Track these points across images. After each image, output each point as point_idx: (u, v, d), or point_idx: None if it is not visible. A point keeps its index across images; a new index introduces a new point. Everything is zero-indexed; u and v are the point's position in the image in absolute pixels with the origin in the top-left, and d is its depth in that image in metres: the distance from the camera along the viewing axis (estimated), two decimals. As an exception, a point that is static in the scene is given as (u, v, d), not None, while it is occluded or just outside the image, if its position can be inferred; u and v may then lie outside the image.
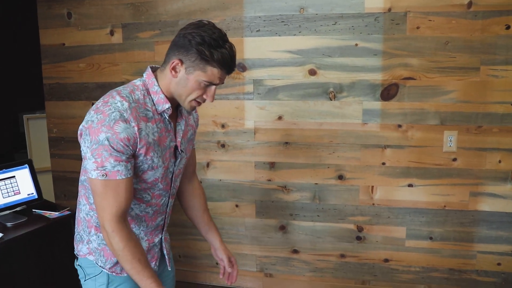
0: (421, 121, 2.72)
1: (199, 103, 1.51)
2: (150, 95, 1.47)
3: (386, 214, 2.86)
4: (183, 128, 1.59)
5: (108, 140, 1.35)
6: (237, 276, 1.85)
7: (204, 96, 1.48)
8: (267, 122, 2.90)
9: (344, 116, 2.80)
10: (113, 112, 1.35)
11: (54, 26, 3.13)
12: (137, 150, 1.42)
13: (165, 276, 1.77)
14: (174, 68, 1.44)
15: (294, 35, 2.78)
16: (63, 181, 3.31)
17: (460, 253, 2.83)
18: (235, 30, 2.84)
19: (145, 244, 1.62)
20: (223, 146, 3.01)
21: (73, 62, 3.15)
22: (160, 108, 1.48)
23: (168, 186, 1.63)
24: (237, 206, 3.07)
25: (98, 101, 1.43)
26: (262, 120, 2.91)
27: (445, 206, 2.79)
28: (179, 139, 1.58)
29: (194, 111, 1.71)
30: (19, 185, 2.60)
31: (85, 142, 1.38)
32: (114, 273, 1.59)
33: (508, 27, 2.53)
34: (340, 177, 2.88)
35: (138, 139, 1.41)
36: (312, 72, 2.78)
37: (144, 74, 1.51)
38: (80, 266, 1.64)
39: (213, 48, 1.39)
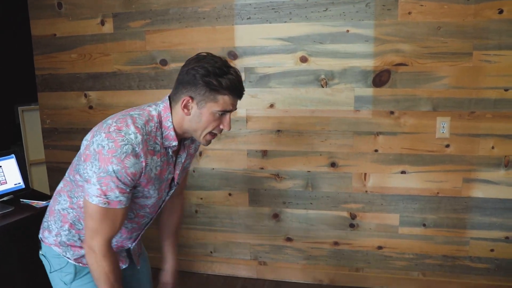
0: (413, 108, 2.70)
1: (214, 135, 1.52)
2: (161, 129, 1.47)
3: (379, 201, 2.86)
4: (182, 161, 1.60)
5: (116, 173, 1.35)
6: None
7: (221, 126, 1.49)
8: (259, 110, 2.89)
9: (336, 103, 2.78)
10: (125, 145, 1.35)
11: (44, 17, 3.11)
12: (138, 182, 1.44)
13: (134, 270, 1.80)
14: (186, 106, 1.44)
15: (285, 22, 2.75)
16: (57, 172, 3.31)
17: (453, 240, 2.82)
18: (226, 18, 2.82)
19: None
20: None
21: (65, 53, 3.13)
22: (166, 144, 1.48)
23: (155, 211, 1.66)
24: (230, 194, 3.06)
25: (110, 121, 1.41)
26: (254, 108, 2.89)
27: (438, 192, 2.77)
28: (177, 172, 1.60)
29: None
30: (6, 175, 2.59)
31: (92, 167, 1.37)
32: (80, 264, 1.61)
33: (501, 11, 2.50)
34: (333, 165, 2.87)
35: (143, 174, 1.42)
36: (303, 59, 2.76)
37: (161, 105, 1.48)
38: (45, 257, 1.64)
39: (220, 77, 1.39)
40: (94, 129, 1.45)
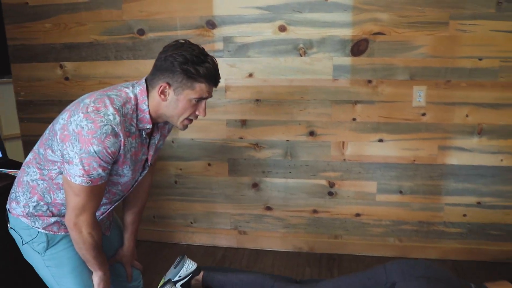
0: (390, 77, 2.74)
1: (191, 121, 1.56)
2: (137, 112, 1.49)
3: (357, 169, 2.90)
4: (156, 142, 1.63)
5: (98, 153, 1.38)
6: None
7: (197, 113, 1.53)
8: (238, 80, 2.89)
9: (315, 73, 2.80)
10: (105, 125, 1.37)
11: (16, -16, 3.02)
12: (116, 159, 1.47)
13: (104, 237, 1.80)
14: (162, 92, 1.47)
15: (264, -10, 2.74)
16: (33, 145, 3.25)
17: (428, 206, 2.90)
18: (204, -14, 2.79)
19: None
20: (194, 105, 2.98)
21: (38, 22, 3.05)
22: (141, 126, 1.51)
23: (127, 189, 1.68)
24: (209, 165, 3.07)
25: (87, 101, 1.42)
26: (232, 77, 2.89)
27: (414, 160, 2.83)
28: (151, 153, 1.63)
29: None
30: (-19, 146, 2.55)
31: (73, 148, 1.38)
32: (51, 232, 1.61)
33: (476, -19, 2.54)
34: (312, 134, 2.89)
35: (121, 152, 1.45)
36: (282, 29, 2.76)
37: (137, 87, 1.50)
38: (14, 230, 1.64)
39: (197, 65, 1.43)
40: (71, 108, 1.46)
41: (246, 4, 2.77)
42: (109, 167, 1.45)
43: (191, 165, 3.09)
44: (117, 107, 1.41)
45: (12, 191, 1.67)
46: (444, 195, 2.86)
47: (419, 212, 2.91)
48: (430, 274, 1.43)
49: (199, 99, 1.49)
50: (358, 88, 2.78)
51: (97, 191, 1.46)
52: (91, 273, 1.64)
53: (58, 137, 1.43)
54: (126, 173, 1.55)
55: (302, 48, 2.77)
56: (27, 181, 1.59)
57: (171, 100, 1.47)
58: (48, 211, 1.59)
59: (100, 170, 1.41)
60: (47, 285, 1.70)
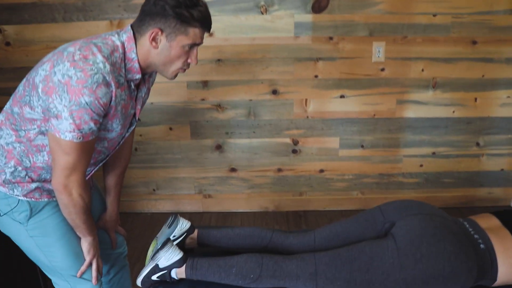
0: (351, 33, 2.77)
1: (184, 70, 1.46)
2: (125, 61, 1.38)
3: (320, 126, 2.95)
4: (143, 95, 1.53)
5: (90, 105, 1.27)
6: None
7: (189, 60, 1.43)
8: (198, 39, 2.80)
9: (276, 30, 2.77)
10: (95, 74, 1.26)
11: None
12: (106, 113, 1.36)
13: None
14: (154, 39, 1.35)
15: None
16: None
17: (388, 159, 3.01)
18: None
19: None
20: (152, 67, 2.87)
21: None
22: (129, 76, 1.40)
23: (113, 147, 1.57)
24: (171, 129, 2.99)
25: (71, 49, 1.30)
26: (192, 37, 2.79)
27: (374, 114, 2.92)
28: (139, 107, 1.53)
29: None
30: None
31: (61, 100, 1.25)
32: (33, 199, 1.48)
33: None
34: (274, 92, 2.89)
35: (112, 103, 1.35)
36: (243, -15, 2.70)
37: (123, 34, 1.38)
38: None
39: (190, 8, 1.33)
40: (52, 58, 1.32)
41: (204, -40, 2.66)
42: (101, 121, 1.34)
43: (151, 131, 2.99)
44: (105, 55, 1.30)
45: None
46: (402, 147, 2.99)
47: (380, 164, 3.02)
48: (426, 211, 1.49)
49: (192, 45, 1.40)
50: (319, 45, 2.79)
51: (87, 148, 1.35)
52: (79, 239, 1.55)
53: (40, 90, 1.30)
54: (115, 128, 1.45)
55: (264, 6, 2.73)
56: (1, 145, 1.45)
57: (163, 48, 1.37)
58: (27, 177, 1.46)
59: (91, 124, 1.30)
60: (31, 258, 1.58)
